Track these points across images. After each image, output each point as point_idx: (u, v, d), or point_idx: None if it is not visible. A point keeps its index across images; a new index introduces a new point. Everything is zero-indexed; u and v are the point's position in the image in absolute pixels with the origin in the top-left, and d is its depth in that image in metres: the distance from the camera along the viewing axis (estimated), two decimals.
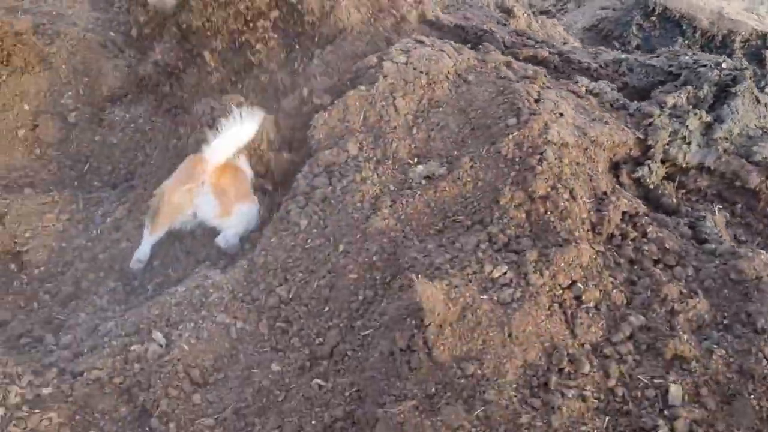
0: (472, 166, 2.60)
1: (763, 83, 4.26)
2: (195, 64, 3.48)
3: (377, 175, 2.68)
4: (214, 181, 2.69)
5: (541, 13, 5.36)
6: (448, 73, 2.93)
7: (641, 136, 2.82)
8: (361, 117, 2.84)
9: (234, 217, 2.76)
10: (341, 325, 2.35)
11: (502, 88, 2.85)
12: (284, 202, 2.71)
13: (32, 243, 2.94)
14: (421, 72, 2.88)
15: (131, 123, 3.57)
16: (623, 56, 3.64)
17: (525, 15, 4.62)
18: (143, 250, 2.80)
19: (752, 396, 1.95)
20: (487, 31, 3.73)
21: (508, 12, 4.52)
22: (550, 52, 3.53)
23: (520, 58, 3.40)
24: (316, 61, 3.21)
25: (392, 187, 2.66)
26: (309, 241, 2.56)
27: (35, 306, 2.77)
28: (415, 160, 2.75)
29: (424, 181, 2.63)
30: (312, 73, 3.19)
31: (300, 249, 2.55)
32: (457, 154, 2.71)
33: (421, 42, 3.11)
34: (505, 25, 4.14)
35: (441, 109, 2.85)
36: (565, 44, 4.33)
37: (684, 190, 2.86)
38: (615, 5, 4.85)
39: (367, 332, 2.26)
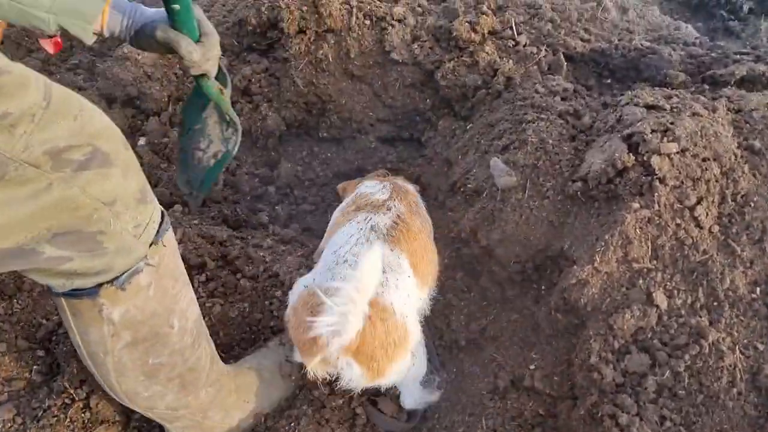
0: None
1: None
2: None
3: (726, 334, 1.83)
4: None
5: None
6: (736, 147, 2.07)
7: None
8: (649, 248, 1.96)
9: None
10: None
11: None
12: None
13: None
14: (706, 159, 2.01)
15: None
16: None
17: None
18: None
19: None
20: (647, 51, 2.88)
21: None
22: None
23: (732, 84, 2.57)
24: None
25: (760, 347, 1.82)
26: None
27: None
28: (758, 290, 1.91)
29: None
30: None
31: None
32: None
33: (655, 106, 2.22)
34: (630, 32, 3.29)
35: (753, 204, 2.01)
36: None
37: None
38: None
39: None
